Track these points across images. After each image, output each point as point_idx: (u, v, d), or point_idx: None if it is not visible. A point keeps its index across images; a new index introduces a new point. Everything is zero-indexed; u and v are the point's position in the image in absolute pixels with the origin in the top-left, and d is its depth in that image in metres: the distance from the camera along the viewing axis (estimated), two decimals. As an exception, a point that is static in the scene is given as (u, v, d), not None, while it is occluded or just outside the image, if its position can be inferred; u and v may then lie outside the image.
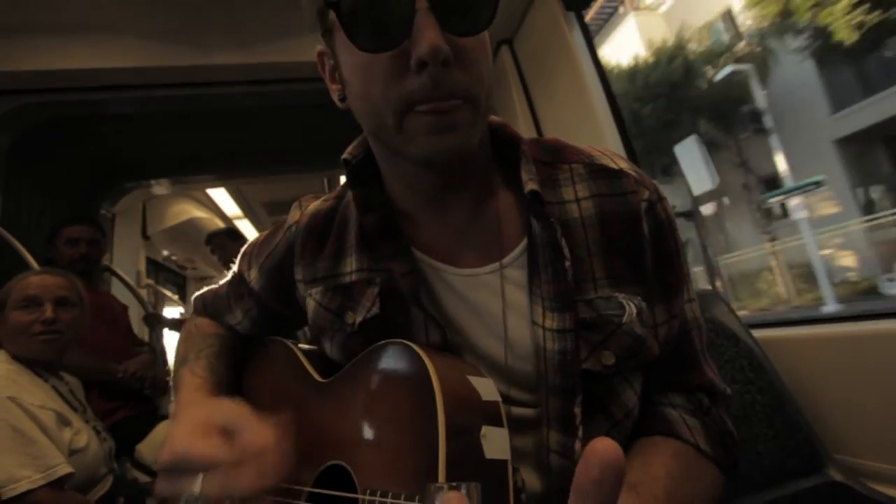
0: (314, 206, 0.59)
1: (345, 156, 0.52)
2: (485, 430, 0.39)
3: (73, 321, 1.19)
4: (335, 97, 0.49)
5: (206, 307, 0.70)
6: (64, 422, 1.05)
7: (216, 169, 2.83)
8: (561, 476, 0.46)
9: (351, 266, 0.53)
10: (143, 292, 2.88)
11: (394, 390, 0.44)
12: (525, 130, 1.92)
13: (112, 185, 2.47)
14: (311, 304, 0.56)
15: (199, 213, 3.50)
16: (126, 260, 2.91)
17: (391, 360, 0.45)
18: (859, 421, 0.89)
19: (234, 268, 0.67)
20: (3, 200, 1.69)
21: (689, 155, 8.23)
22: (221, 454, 0.41)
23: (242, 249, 0.66)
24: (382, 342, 0.47)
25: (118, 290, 2.53)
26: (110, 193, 2.49)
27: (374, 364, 0.48)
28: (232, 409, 0.46)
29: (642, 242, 0.49)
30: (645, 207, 0.50)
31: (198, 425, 0.44)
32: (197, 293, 0.71)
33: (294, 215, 0.60)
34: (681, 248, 0.52)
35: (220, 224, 3.60)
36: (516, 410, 0.49)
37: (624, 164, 0.52)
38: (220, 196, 3.54)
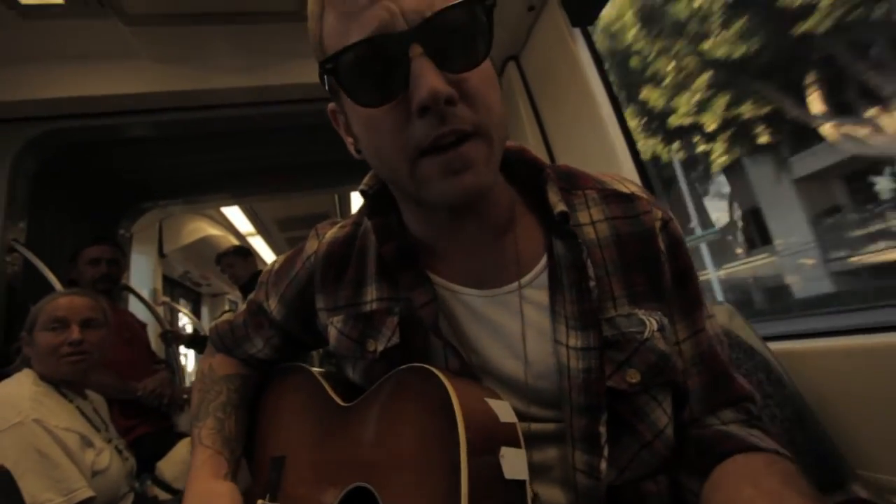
0: (331, 233, 0.60)
1: (362, 186, 0.53)
2: (503, 450, 0.40)
3: (99, 342, 1.22)
4: (351, 150, 0.50)
5: (221, 339, 0.70)
6: (87, 443, 1.07)
7: (229, 188, 2.90)
8: (587, 496, 0.46)
9: (371, 295, 0.55)
10: (160, 309, 2.93)
11: (416, 413, 0.45)
12: (534, 146, 1.93)
13: (130, 206, 2.54)
14: (332, 332, 0.57)
15: (213, 230, 3.56)
16: (143, 278, 2.97)
17: (413, 384, 0.47)
18: (883, 436, 0.87)
19: (252, 296, 0.68)
20: (28, 223, 1.75)
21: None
22: None
23: (259, 278, 0.68)
24: (405, 366, 0.48)
25: (135, 308, 2.58)
26: (128, 214, 2.56)
27: (396, 388, 0.49)
28: None
29: (660, 259, 0.50)
30: (659, 226, 0.51)
31: None
32: (212, 323, 0.73)
33: (312, 245, 0.61)
34: (692, 265, 0.53)
35: (234, 241, 3.66)
36: (536, 426, 0.49)
37: (635, 188, 0.54)
38: (234, 214, 3.60)
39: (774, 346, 1.03)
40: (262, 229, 3.92)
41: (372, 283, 0.55)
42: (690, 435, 0.50)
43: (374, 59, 0.40)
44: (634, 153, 1.54)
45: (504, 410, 0.44)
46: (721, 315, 1.02)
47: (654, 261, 0.50)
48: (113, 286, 1.82)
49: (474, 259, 0.52)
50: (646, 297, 0.49)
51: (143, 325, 2.03)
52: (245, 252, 2.72)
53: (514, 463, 0.40)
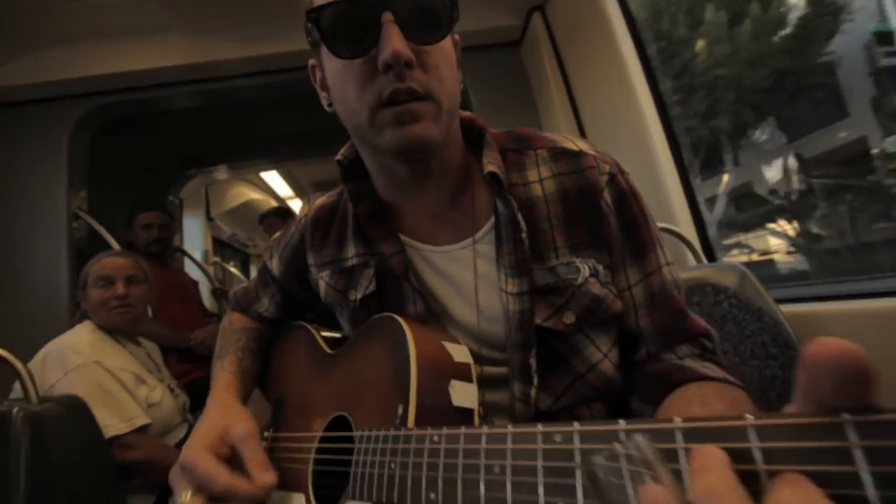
0: (320, 201, 0.67)
1: (338, 157, 0.59)
2: (453, 383, 0.46)
3: (143, 295, 1.39)
4: (325, 104, 0.56)
5: (237, 301, 0.80)
6: (140, 381, 1.24)
7: (268, 153, 3.03)
8: (523, 421, 0.51)
9: (351, 251, 0.62)
10: (211, 269, 3.19)
11: (381, 352, 0.52)
12: (558, 103, 1.87)
13: (176, 174, 2.73)
14: (322, 285, 0.65)
15: (254, 195, 3.76)
16: (195, 240, 3.22)
17: (380, 329, 0.54)
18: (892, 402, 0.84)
19: (262, 260, 0.77)
20: (88, 192, 1.94)
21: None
22: (216, 480, 0.49)
23: (268, 244, 0.76)
24: (376, 316, 0.56)
25: (190, 268, 2.82)
26: (176, 181, 2.75)
27: (368, 333, 0.57)
28: (243, 430, 0.54)
29: (602, 211, 0.54)
30: (606, 180, 0.54)
31: (213, 438, 0.53)
32: (232, 290, 0.82)
33: (304, 209, 0.69)
34: (646, 214, 0.56)
35: (274, 204, 3.85)
36: (489, 369, 0.55)
37: (584, 146, 0.57)
38: (273, 178, 3.77)
39: (787, 308, 1.00)
40: (299, 192, 4.09)
41: (351, 241, 0.62)
42: (647, 369, 0.53)
43: (352, 18, 0.46)
44: (660, 104, 1.46)
45: (460, 352, 0.50)
46: (731, 277, 0.99)
47: (595, 213, 0.53)
48: (164, 248, 2.01)
49: (434, 218, 0.57)
50: (585, 246, 0.53)
51: (195, 283, 2.23)
52: (285, 213, 2.87)
53: (463, 393, 0.46)
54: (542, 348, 0.52)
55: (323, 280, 0.65)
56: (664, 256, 0.56)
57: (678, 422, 0.24)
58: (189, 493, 0.49)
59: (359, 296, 0.60)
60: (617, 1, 1.55)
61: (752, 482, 0.20)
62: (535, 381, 0.51)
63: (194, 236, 3.20)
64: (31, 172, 1.77)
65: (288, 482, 0.56)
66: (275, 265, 0.72)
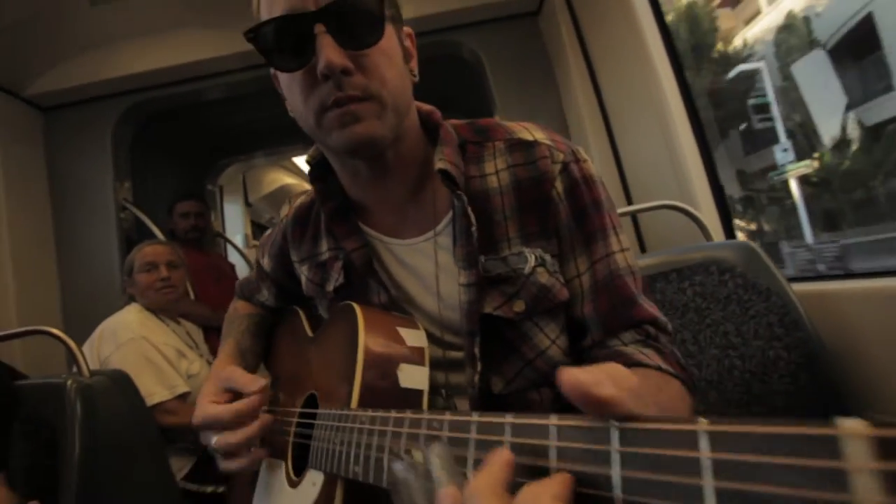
0: (299, 200, 0.71)
1: (306, 158, 0.62)
2: (403, 366, 0.50)
3: (181, 278, 1.54)
4: (288, 109, 0.58)
5: (241, 290, 0.86)
6: (181, 355, 1.38)
7: (301, 139, 3.12)
8: (474, 405, 0.55)
9: (324, 247, 0.65)
10: (251, 253, 3.38)
11: (341, 336, 0.56)
12: (575, 70, 1.80)
13: (214, 162, 2.88)
14: (303, 279, 0.70)
15: (289, 180, 3.91)
16: (235, 225, 3.42)
17: (340, 317, 0.58)
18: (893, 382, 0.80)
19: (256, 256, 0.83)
20: (133, 184, 2.11)
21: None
22: (223, 416, 0.56)
23: (260, 241, 0.82)
24: (340, 304, 0.60)
25: (232, 253, 3.01)
26: (213, 169, 2.91)
27: (334, 320, 0.62)
28: (231, 372, 0.60)
29: (552, 201, 0.55)
30: (559, 169, 0.55)
31: (210, 393, 0.60)
32: (238, 280, 0.89)
33: (285, 210, 0.73)
34: (600, 201, 0.56)
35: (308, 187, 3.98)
36: (452, 353, 0.58)
37: (540, 135, 0.57)
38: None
39: (799, 287, 0.96)
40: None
41: (323, 237, 0.66)
42: (591, 355, 0.55)
43: (288, 34, 0.48)
44: (684, 89, 1.37)
45: (415, 337, 0.53)
46: (739, 255, 0.96)
47: (545, 202, 0.55)
48: (201, 234, 2.16)
49: (398, 212, 0.60)
50: (535, 236, 0.55)
51: (232, 266, 2.39)
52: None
53: (411, 376, 0.49)
54: (495, 336, 0.54)
55: (303, 274, 0.69)
56: (619, 243, 0.56)
57: (508, 417, 0.26)
58: (215, 439, 0.57)
59: (331, 288, 0.64)
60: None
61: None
62: (479, 367, 0.54)
63: (234, 221, 3.39)
64: (82, 168, 1.94)
65: (275, 451, 0.63)
66: (266, 263, 0.77)
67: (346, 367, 0.51)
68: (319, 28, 0.46)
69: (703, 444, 0.18)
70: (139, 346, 1.30)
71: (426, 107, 0.60)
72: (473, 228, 0.53)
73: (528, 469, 0.23)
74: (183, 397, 1.30)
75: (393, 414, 0.37)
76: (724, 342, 0.89)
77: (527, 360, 0.55)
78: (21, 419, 0.92)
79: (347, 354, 0.51)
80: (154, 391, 1.23)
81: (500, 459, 0.24)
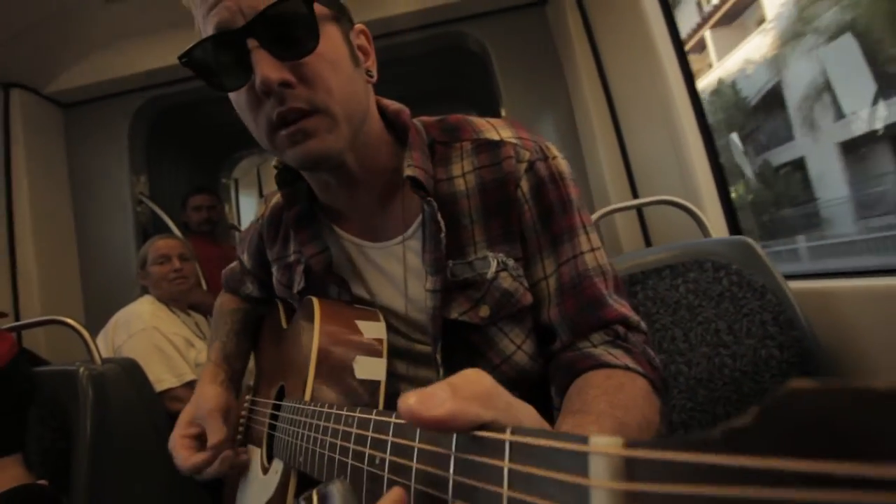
0: (275, 200, 0.70)
1: (273, 163, 0.61)
2: (359, 358, 0.52)
3: (192, 269, 1.61)
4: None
5: (227, 283, 0.87)
6: (190, 344, 1.44)
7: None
8: None
9: (291, 249, 0.66)
10: (265, 243, 3.45)
11: (302, 329, 0.59)
12: (582, 62, 1.77)
13: (227, 156, 2.94)
14: (274, 279, 0.71)
15: (303, 172, 3.96)
16: (249, 217, 3.49)
17: (304, 310, 0.61)
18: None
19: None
20: (149, 178, 2.17)
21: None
22: (181, 464, 0.60)
23: (240, 236, 0.83)
24: (305, 298, 0.62)
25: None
26: (229, 163, 2.98)
27: (299, 314, 0.64)
28: (208, 413, 0.63)
29: (517, 202, 0.54)
30: (524, 168, 0.54)
31: (184, 423, 0.64)
32: (224, 270, 0.89)
33: (261, 209, 0.73)
34: (569, 200, 0.54)
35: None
36: (419, 347, 0.59)
37: (507, 134, 0.56)
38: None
39: (796, 285, 0.94)
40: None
41: (291, 240, 0.66)
42: (561, 358, 0.54)
43: (222, 52, 0.47)
44: (690, 84, 1.34)
45: (373, 330, 0.55)
46: (735, 252, 0.94)
47: (510, 204, 0.54)
48: (214, 226, 2.21)
49: (370, 217, 0.60)
50: (499, 239, 0.54)
51: (244, 258, 2.45)
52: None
53: (368, 368, 0.51)
54: (462, 340, 0.54)
55: (274, 275, 0.70)
56: (589, 242, 0.54)
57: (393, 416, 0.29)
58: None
59: (295, 290, 0.65)
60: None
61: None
62: (441, 372, 0.54)
63: (249, 213, 3.46)
64: (100, 163, 2.02)
65: (255, 440, 0.66)
66: (246, 260, 0.78)
67: (304, 359, 0.53)
68: (252, 43, 0.44)
69: (507, 452, 0.19)
70: (150, 336, 1.35)
71: (394, 106, 0.58)
72: (442, 235, 0.52)
73: (396, 467, 0.26)
74: (190, 385, 1.35)
75: (334, 411, 0.38)
76: (716, 340, 0.88)
77: (493, 366, 0.55)
78: (38, 404, 0.98)
79: (305, 347, 0.53)
80: (163, 378, 1.29)
81: (390, 499, 0.24)
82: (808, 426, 0.10)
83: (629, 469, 0.14)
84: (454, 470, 0.21)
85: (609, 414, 0.41)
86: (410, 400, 0.22)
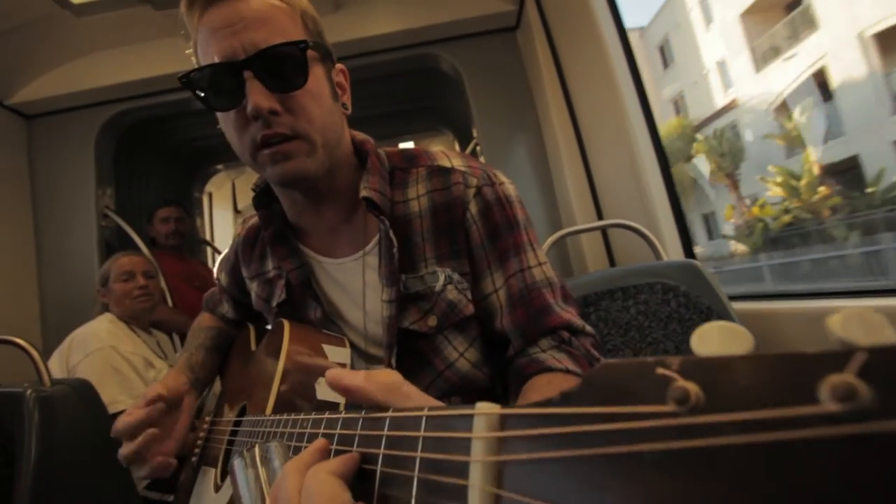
0: (251, 221, 0.75)
1: (252, 186, 0.66)
2: (322, 380, 0.53)
3: (156, 286, 1.57)
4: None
5: (207, 303, 0.90)
6: (149, 364, 1.40)
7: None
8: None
9: (269, 266, 0.70)
10: (238, 258, 3.39)
11: (270, 351, 0.61)
12: (549, 86, 1.84)
13: (199, 170, 2.91)
14: (253, 295, 0.74)
15: (279, 186, 3.93)
16: (225, 232, 3.44)
17: (274, 332, 0.63)
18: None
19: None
20: (116, 192, 2.13)
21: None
22: (118, 426, 0.60)
23: (220, 258, 0.85)
24: (276, 321, 0.64)
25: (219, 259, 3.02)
26: (199, 177, 2.94)
27: (269, 336, 0.66)
28: (151, 388, 0.64)
29: (465, 224, 0.59)
30: (472, 193, 0.60)
31: (132, 406, 0.64)
32: (206, 292, 0.92)
33: (238, 229, 0.77)
34: (515, 220, 0.60)
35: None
36: (376, 367, 0.62)
37: (457, 162, 0.62)
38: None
39: (740, 305, 0.99)
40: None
41: (269, 256, 0.70)
42: (513, 364, 0.58)
43: (220, 78, 0.53)
44: (647, 110, 1.41)
45: (338, 354, 0.58)
46: (683, 274, 0.99)
47: (458, 225, 0.59)
48: (182, 239, 2.18)
49: (332, 234, 0.65)
50: (448, 256, 0.59)
51: (212, 272, 2.41)
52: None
53: (329, 389, 0.52)
54: (412, 348, 0.59)
55: (253, 290, 0.73)
56: (536, 258, 0.60)
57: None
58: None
59: (275, 303, 0.68)
60: (601, -13, 1.50)
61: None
62: None
63: (224, 229, 3.41)
64: (65, 176, 1.97)
65: (211, 460, 0.66)
66: (223, 279, 0.82)
67: (268, 377, 0.55)
68: (248, 74, 0.51)
69: (421, 424, 0.25)
70: (106, 356, 1.32)
71: (360, 137, 0.65)
72: (395, 250, 0.57)
73: (339, 453, 0.30)
74: (149, 406, 1.32)
75: (285, 416, 0.40)
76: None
77: (438, 372, 0.59)
78: (-21, 428, 0.94)
79: (271, 366, 0.55)
80: (118, 399, 1.25)
81: (313, 446, 0.30)
82: (610, 387, 0.15)
83: (502, 422, 0.20)
84: (384, 445, 0.27)
85: None
86: (336, 370, 0.32)
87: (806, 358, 0.11)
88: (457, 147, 3.03)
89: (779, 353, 0.12)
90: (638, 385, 0.14)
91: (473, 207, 0.59)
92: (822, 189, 9.17)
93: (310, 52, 0.53)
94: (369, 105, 2.51)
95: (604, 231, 1.69)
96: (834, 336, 0.12)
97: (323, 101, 0.56)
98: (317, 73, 0.55)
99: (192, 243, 2.60)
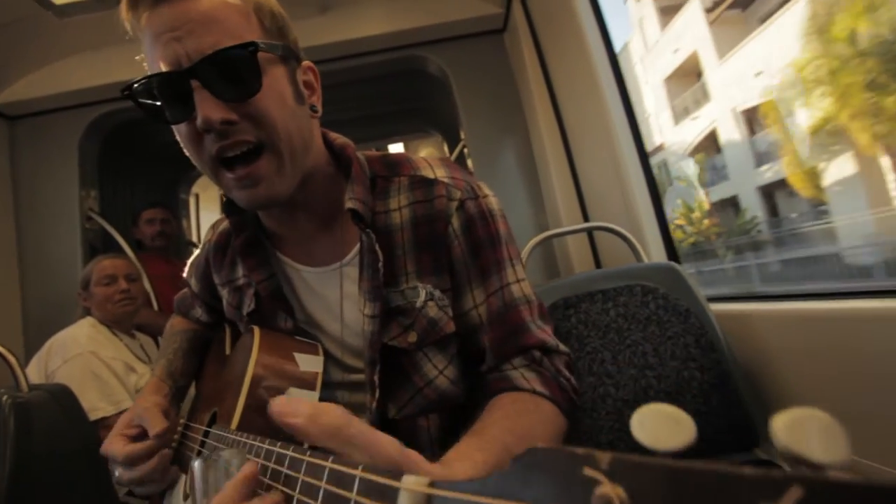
0: (222, 226, 0.73)
1: (221, 191, 0.64)
2: (291, 390, 0.53)
3: (139, 289, 1.55)
4: None
5: (179, 307, 0.88)
6: (130, 369, 1.38)
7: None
8: (376, 427, 0.57)
9: (240, 273, 0.68)
10: (227, 260, 3.37)
11: (241, 358, 0.59)
12: (535, 88, 1.85)
13: (184, 172, 2.88)
14: (224, 302, 0.72)
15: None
16: (212, 233, 3.41)
17: (246, 339, 0.62)
18: (801, 400, 0.84)
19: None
20: (100, 194, 2.11)
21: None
22: (118, 456, 0.57)
23: (190, 262, 0.84)
24: (249, 327, 0.63)
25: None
26: (187, 178, 2.92)
27: (241, 342, 0.65)
28: (145, 411, 0.61)
29: (447, 238, 0.57)
30: (455, 206, 0.58)
31: (123, 424, 0.62)
32: (176, 295, 0.90)
33: (209, 235, 0.75)
34: (497, 235, 0.59)
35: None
36: (353, 376, 0.62)
37: (441, 173, 0.60)
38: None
39: (718, 307, 1.00)
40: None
41: (239, 264, 0.68)
42: (486, 379, 0.58)
43: (166, 90, 0.49)
44: (630, 114, 1.42)
45: (309, 363, 0.56)
46: (662, 276, 1.00)
47: (440, 239, 0.57)
48: (168, 241, 2.16)
49: (309, 243, 0.63)
50: (429, 271, 0.57)
51: (201, 276, 2.39)
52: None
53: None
54: (391, 364, 0.57)
55: (224, 297, 0.72)
56: (515, 274, 0.59)
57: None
58: (118, 472, 0.59)
59: (245, 312, 0.67)
60: (585, -9, 1.51)
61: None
62: (377, 394, 0.57)
63: (211, 229, 3.39)
64: (48, 178, 1.95)
65: (183, 465, 0.65)
66: (194, 284, 0.79)
67: (237, 387, 0.54)
68: (195, 84, 0.46)
69: (324, 475, 0.25)
70: (86, 361, 1.30)
71: (339, 140, 0.61)
72: (380, 264, 0.55)
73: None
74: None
75: (254, 443, 0.40)
76: (642, 362, 0.92)
77: (417, 389, 0.58)
78: (-48, 435, 0.93)
79: (240, 375, 0.54)
80: (98, 406, 1.24)
81: (237, 480, 0.30)
82: (537, 479, 0.15)
83: (428, 501, 0.19)
84: (299, 489, 0.27)
85: (500, 440, 0.44)
86: (280, 403, 0.30)
87: (743, 480, 0.10)
88: (445, 149, 3.04)
89: (717, 466, 0.11)
90: (564, 483, 0.13)
91: (456, 221, 0.58)
92: (707, 221, 12.77)
93: (263, 55, 0.49)
94: (358, 107, 2.50)
95: (590, 233, 1.70)
96: (779, 443, 0.11)
97: (285, 104, 0.51)
98: (275, 75, 0.50)
99: (178, 245, 2.58)
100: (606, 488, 0.12)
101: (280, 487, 0.31)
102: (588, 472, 0.12)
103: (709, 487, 0.11)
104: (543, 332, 0.59)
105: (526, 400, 0.53)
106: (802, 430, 0.11)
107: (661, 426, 0.13)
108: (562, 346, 0.60)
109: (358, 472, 0.25)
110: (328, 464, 0.27)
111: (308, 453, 0.30)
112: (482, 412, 0.53)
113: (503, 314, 0.58)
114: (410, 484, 0.20)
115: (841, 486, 0.09)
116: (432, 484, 0.20)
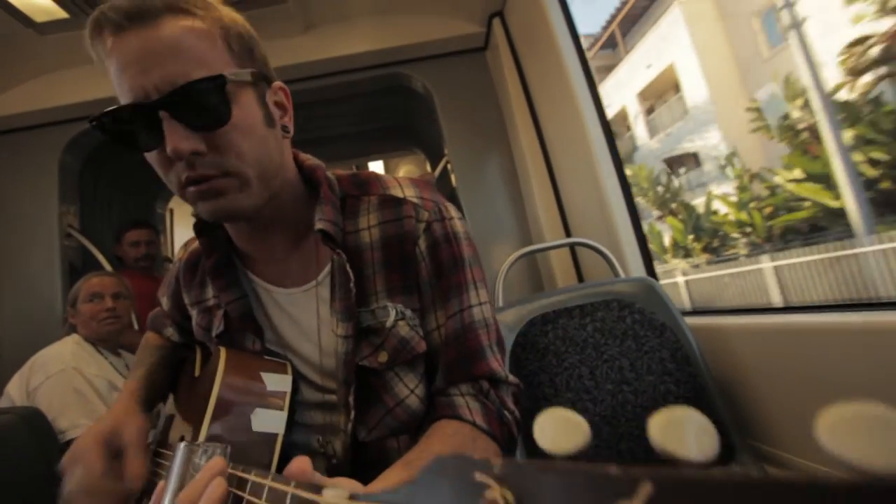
0: (193, 246, 0.72)
1: (192, 212, 0.61)
2: (258, 410, 0.53)
3: (127, 309, 1.53)
4: None
5: (152, 324, 0.86)
6: (113, 387, 1.36)
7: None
8: (349, 449, 0.57)
9: (209, 294, 0.67)
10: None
11: (207, 380, 0.59)
12: (516, 106, 1.89)
13: (162, 187, 2.86)
14: (193, 322, 0.71)
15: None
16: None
17: (214, 359, 0.61)
18: (773, 412, 0.85)
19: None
20: (80, 210, 2.08)
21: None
22: (92, 477, 0.53)
23: (163, 281, 0.84)
24: (217, 348, 0.62)
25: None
26: (164, 193, 2.89)
27: (210, 363, 0.64)
28: (130, 436, 0.58)
29: (415, 258, 0.58)
30: (423, 228, 0.58)
31: (107, 433, 0.57)
32: (150, 312, 0.88)
33: (180, 254, 0.74)
34: (461, 258, 0.59)
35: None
36: (329, 397, 0.61)
37: (410, 193, 0.60)
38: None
39: (694, 321, 1.02)
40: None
41: (209, 284, 0.67)
42: (434, 401, 0.58)
43: (135, 121, 0.48)
44: (599, 108, 1.46)
45: (278, 382, 0.56)
46: (638, 291, 1.02)
47: (409, 260, 0.58)
48: (152, 262, 2.13)
49: (281, 264, 0.62)
50: (399, 291, 0.58)
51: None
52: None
53: (266, 420, 0.52)
54: (362, 384, 0.57)
55: (193, 318, 0.71)
56: (477, 297, 0.59)
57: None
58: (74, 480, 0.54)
59: (214, 333, 0.66)
60: (562, 12, 1.56)
61: None
62: (352, 415, 0.57)
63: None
64: (27, 194, 1.92)
65: (148, 490, 0.64)
66: (165, 304, 0.78)
67: (203, 410, 0.53)
68: (164, 114, 0.46)
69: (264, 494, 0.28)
70: (69, 378, 1.28)
71: (310, 162, 0.62)
72: (352, 284, 0.55)
73: None
74: (108, 432, 1.28)
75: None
76: (620, 377, 0.94)
77: (388, 409, 0.58)
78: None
79: (206, 397, 0.54)
80: (79, 423, 1.21)
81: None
82: (437, 486, 0.16)
83: None
84: None
85: None
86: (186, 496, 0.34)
87: (608, 478, 0.11)
88: (427, 167, 3.06)
89: (588, 467, 0.12)
90: (459, 488, 0.14)
91: (423, 243, 0.58)
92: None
93: (232, 81, 0.48)
94: (340, 124, 2.52)
95: (571, 248, 1.72)
96: (654, 441, 0.12)
97: (254, 132, 0.51)
98: (244, 102, 0.50)
99: (159, 262, 2.55)
100: (495, 492, 0.13)
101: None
102: (479, 476, 0.13)
103: (582, 487, 0.12)
104: (496, 361, 0.59)
105: (465, 433, 0.53)
106: (676, 430, 0.12)
107: (558, 431, 0.14)
108: (511, 377, 0.60)
109: (290, 489, 0.27)
110: (267, 482, 0.30)
111: (253, 472, 0.32)
112: (422, 438, 0.53)
113: (460, 336, 0.58)
114: (331, 497, 0.22)
115: (690, 483, 0.10)
116: (352, 497, 0.22)
